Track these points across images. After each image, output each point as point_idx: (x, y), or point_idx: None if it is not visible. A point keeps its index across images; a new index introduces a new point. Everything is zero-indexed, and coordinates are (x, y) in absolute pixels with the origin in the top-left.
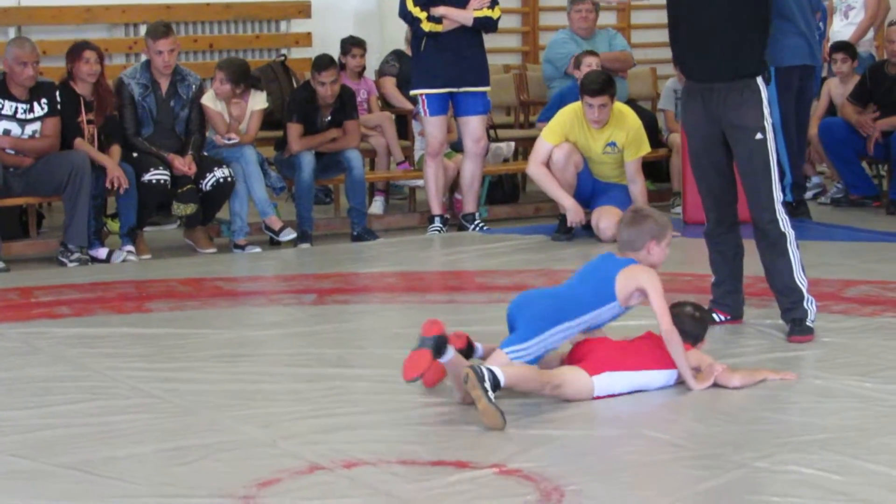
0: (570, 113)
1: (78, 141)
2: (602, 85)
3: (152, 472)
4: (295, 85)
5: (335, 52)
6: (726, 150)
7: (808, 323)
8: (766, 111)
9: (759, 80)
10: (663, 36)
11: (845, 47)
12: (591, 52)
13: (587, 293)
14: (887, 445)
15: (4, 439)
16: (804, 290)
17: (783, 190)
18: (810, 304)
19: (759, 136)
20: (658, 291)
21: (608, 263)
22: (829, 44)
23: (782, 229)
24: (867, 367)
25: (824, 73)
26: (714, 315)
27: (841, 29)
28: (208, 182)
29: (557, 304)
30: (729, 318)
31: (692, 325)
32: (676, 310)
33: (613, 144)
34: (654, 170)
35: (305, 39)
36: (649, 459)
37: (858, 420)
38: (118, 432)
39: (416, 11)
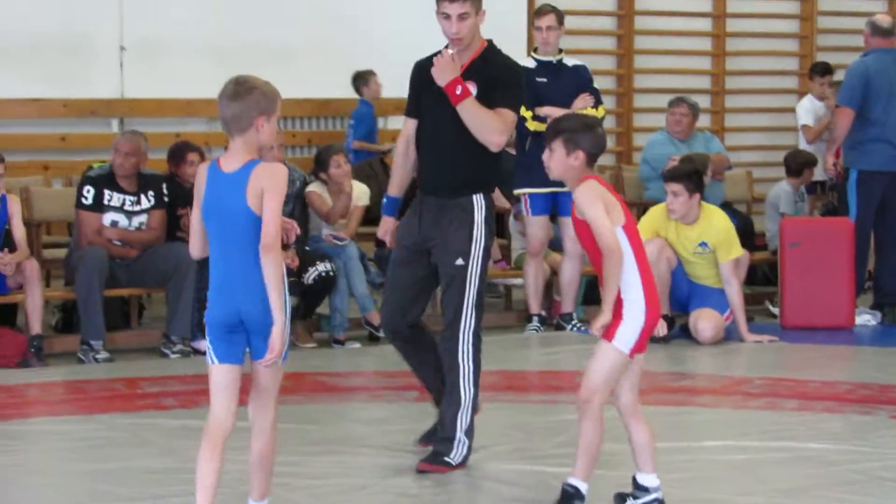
0: (660, 209)
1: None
2: (677, 173)
3: None
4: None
5: None
6: (429, 265)
7: (446, 458)
8: (478, 233)
9: (477, 198)
10: (759, 139)
11: None
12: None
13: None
14: None
15: None
16: (458, 431)
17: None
18: (460, 447)
19: (459, 261)
20: (281, 198)
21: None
22: None
23: (459, 360)
24: None
25: None
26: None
27: None
28: (310, 276)
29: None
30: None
31: None
32: None
33: (705, 244)
34: (750, 273)
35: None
36: None
37: None
38: None
39: (521, 111)
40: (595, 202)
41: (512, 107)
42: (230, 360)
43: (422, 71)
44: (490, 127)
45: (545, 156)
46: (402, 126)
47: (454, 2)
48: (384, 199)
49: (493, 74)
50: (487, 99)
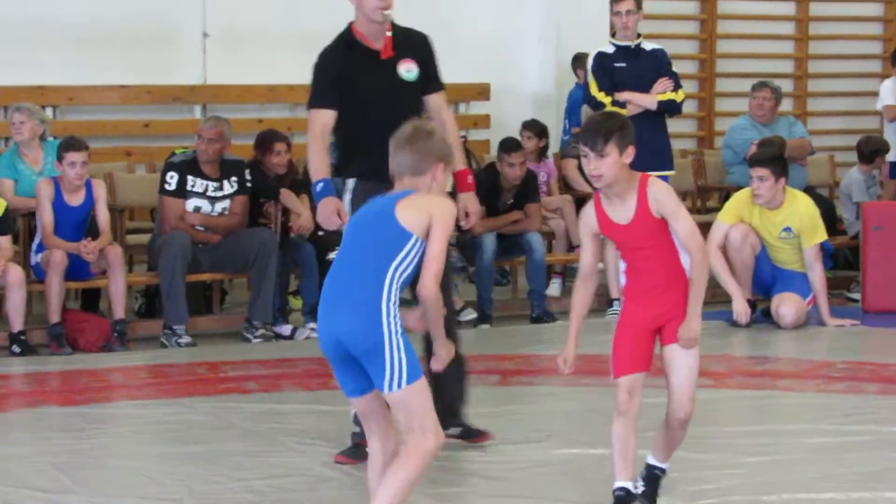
0: (744, 195)
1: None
2: (762, 158)
3: None
4: (474, 166)
5: (513, 134)
6: None
7: None
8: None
9: (348, 183)
10: (842, 123)
11: None
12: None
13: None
14: None
15: None
16: None
17: None
18: None
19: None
20: (446, 231)
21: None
22: None
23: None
24: None
25: None
26: None
27: None
28: None
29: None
30: None
31: None
32: None
33: (789, 230)
34: (833, 257)
35: (484, 121)
36: None
37: None
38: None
39: (601, 97)
40: (678, 199)
41: (442, 86)
42: None
43: (347, 54)
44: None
45: (591, 166)
46: (313, 121)
47: None
48: (321, 184)
49: (423, 49)
50: (427, 79)
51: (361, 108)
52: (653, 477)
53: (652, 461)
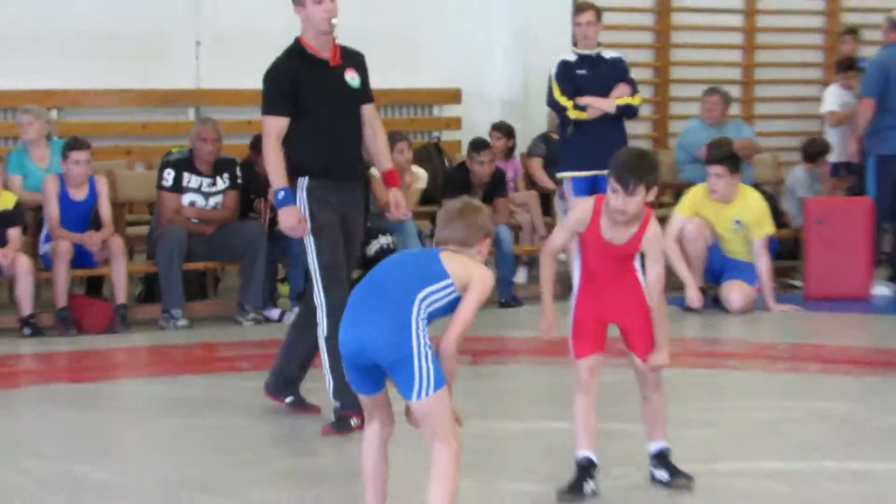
0: (699, 190)
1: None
2: (719, 156)
3: None
4: (447, 164)
5: (483, 135)
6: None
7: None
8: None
9: (300, 182)
10: (786, 126)
11: None
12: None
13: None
14: None
15: (205, 478)
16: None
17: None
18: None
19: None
20: (481, 294)
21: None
22: None
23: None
24: None
25: None
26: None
27: None
28: (372, 248)
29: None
30: None
31: None
32: None
33: (739, 222)
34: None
35: (456, 123)
36: None
37: None
38: (308, 473)
39: (563, 101)
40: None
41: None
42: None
43: (298, 64)
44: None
45: (626, 202)
46: (268, 127)
47: None
48: (282, 192)
49: (361, 64)
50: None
51: (313, 112)
52: (663, 458)
53: (654, 448)
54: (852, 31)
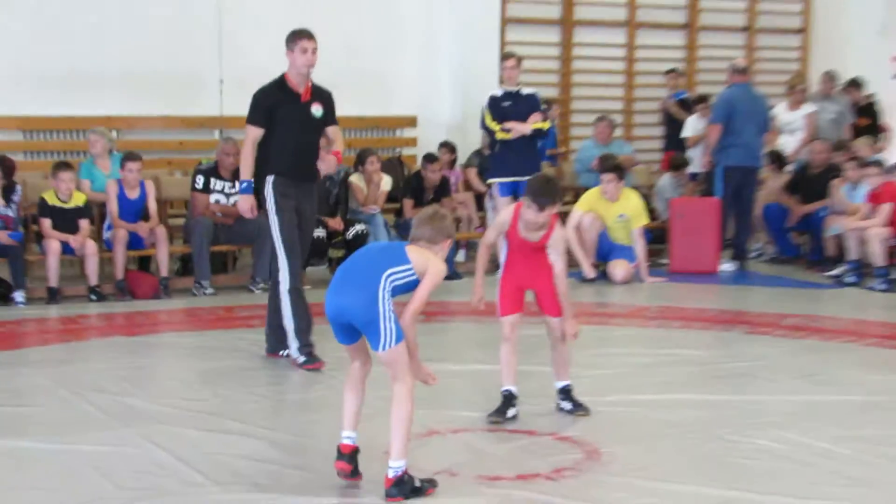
0: (593, 192)
1: None
2: (610, 167)
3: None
4: (406, 173)
5: (433, 151)
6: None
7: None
8: (268, 206)
9: (269, 178)
10: (656, 145)
11: (778, 159)
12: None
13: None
14: (816, 426)
15: (226, 407)
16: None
17: (733, 255)
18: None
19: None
20: (434, 282)
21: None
22: (769, 151)
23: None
24: (805, 374)
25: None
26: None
27: (787, 141)
28: (351, 233)
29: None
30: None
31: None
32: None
33: (623, 216)
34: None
35: (412, 142)
36: (664, 433)
37: (796, 407)
38: (303, 403)
39: (492, 125)
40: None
41: (336, 123)
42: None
43: (278, 94)
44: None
45: (537, 216)
46: (249, 133)
47: (312, 40)
48: (245, 183)
49: (328, 101)
50: (327, 118)
51: (282, 130)
52: (566, 392)
53: (559, 384)
54: (672, 70)
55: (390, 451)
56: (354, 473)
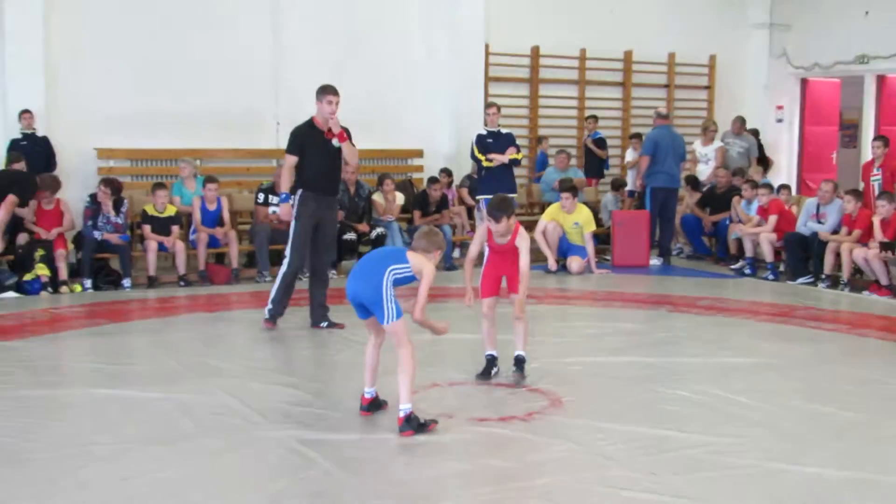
0: (555, 206)
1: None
2: (567, 187)
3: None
4: (415, 191)
5: (435, 175)
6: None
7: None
8: (294, 213)
9: (299, 192)
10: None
11: (693, 182)
12: (566, 179)
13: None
14: (724, 381)
15: (276, 363)
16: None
17: (660, 252)
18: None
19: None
20: (429, 281)
21: (400, 248)
22: (686, 175)
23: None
24: (715, 342)
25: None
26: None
27: (703, 169)
28: (374, 234)
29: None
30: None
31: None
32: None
33: (577, 224)
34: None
35: (419, 168)
36: (611, 386)
37: (709, 367)
38: (331, 363)
39: (479, 156)
40: (528, 242)
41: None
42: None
43: (308, 131)
44: (356, 154)
45: (497, 226)
46: (287, 160)
47: (336, 95)
48: (284, 195)
49: (348, 131)
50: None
51: (311, 158)
52: (520, 361)
53: (517, 353)
54: (591, 116)
55: (399, 398)
56: (375, 410)
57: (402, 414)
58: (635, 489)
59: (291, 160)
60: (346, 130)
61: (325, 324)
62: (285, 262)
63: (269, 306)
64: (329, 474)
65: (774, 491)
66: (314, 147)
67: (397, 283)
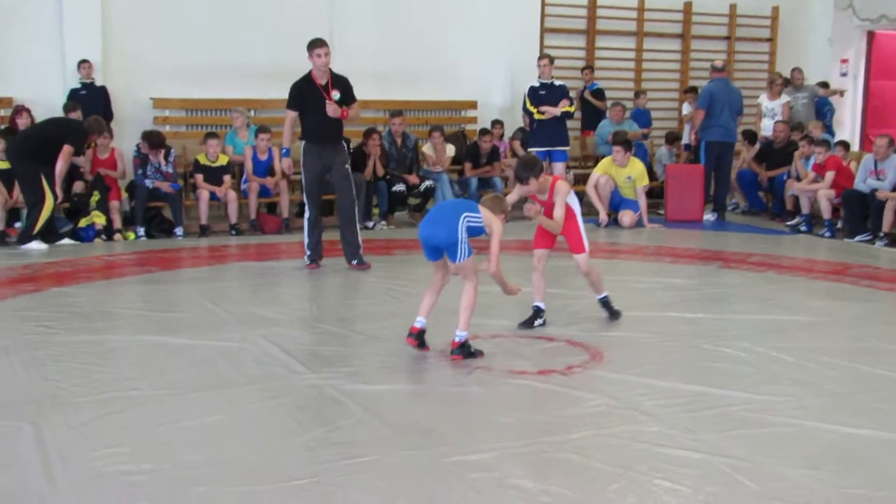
0: (607, 159)
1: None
2: (620, 140)
3: (399, 334)
4: (467, 143)
5: (487, 127)
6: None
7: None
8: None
9: (303, 143)
10: (658, 124)
11: (750, 136)
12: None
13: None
14: (769, 339)
15: (323, 315)
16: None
17: (714, 208)
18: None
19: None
20: (499, 235)
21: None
22: (742, 129)
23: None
24: (764, 299)
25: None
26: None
27: (769, 125)
28: (423, 186)
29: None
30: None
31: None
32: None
33: (630, 178)
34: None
35: (473, 120)
36: (653, 342)
37: (755, 324)
38: (382, 313)
39: (531, 108)
40: (565, 196)
41: (355, 100)
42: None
43: (306, 85)
44: (358, 113)
45: (528, 187)
46: (287, 115)
47: (325, 47)
48: (285, 149)
49: (345, 85)
50: (346, 97)
51: (310, 110)
52: (606, 302)
53: (599, 296)
54: (587, 67)
55: (458, 325)
56: (421, 346)
57: (457, 339)
58: (669, 445)
59: (292, 115)
60: (344, 81)
61: (355, 261)
62: (307, 210)
63: (307, 252)
64: (364, 424)
65: (810, 450)
66: (313, 101)
67: (469, 231)
